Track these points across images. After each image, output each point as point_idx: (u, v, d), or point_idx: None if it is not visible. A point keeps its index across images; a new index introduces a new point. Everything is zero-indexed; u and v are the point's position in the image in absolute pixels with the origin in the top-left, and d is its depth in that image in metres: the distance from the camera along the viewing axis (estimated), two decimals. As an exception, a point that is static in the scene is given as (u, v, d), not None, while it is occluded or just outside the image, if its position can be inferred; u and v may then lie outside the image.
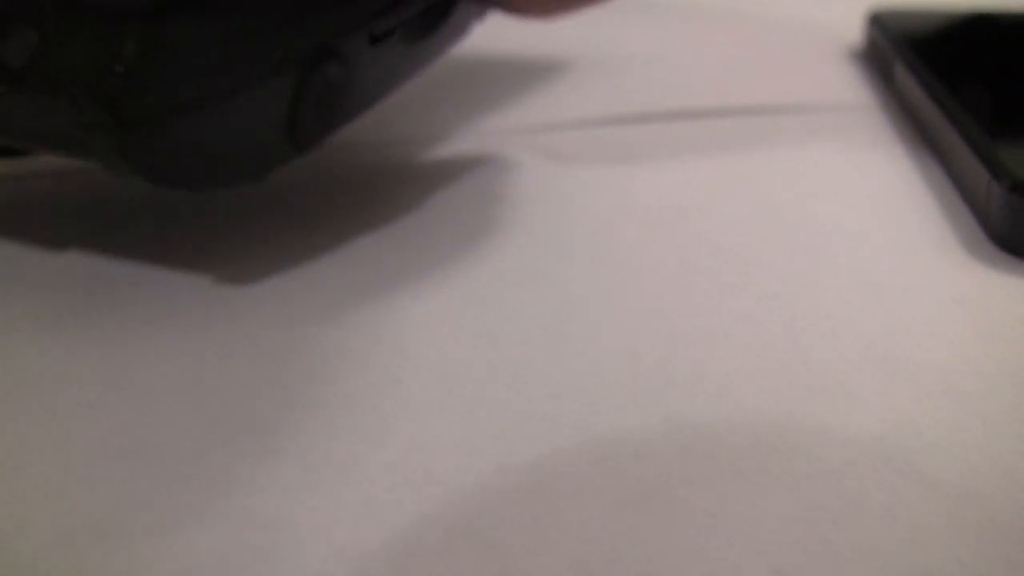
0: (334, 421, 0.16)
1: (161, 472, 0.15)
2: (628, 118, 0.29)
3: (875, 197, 0.24)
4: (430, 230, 0.22)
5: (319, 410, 0.16)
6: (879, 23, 0.33)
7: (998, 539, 0.13)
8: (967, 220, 0.22)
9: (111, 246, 0.21)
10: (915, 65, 0.29)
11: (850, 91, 0.31)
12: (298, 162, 0.25)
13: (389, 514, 0.14)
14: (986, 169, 0.22)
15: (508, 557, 0.13)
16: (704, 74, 0.32)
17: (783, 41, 0.35)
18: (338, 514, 0.14)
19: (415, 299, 0.19)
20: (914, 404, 0.16)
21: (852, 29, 0.35)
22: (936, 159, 0.26)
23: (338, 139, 0.27)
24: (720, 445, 0.15)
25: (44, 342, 0.18)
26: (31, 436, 0.15)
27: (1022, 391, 0.17)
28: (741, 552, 0.13)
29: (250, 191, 0.24)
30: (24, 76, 0.15)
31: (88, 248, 0.21)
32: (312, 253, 0.21)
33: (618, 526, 0.14)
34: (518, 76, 0.32)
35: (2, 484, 0.14)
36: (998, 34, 0.32)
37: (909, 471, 0.15)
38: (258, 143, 0.18)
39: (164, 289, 0.19)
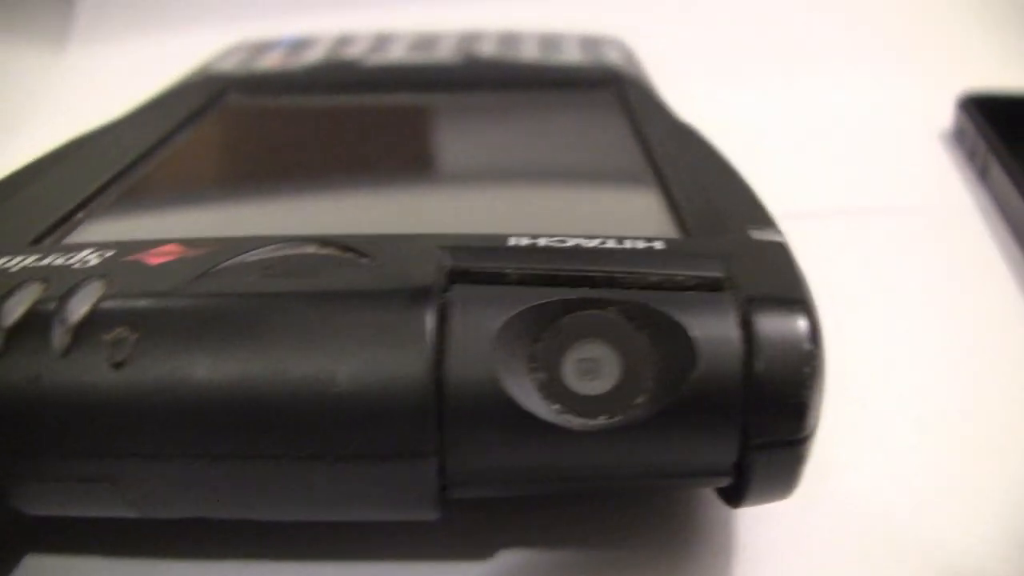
0: None
1: None
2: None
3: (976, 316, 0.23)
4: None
5: None
6: (970, 110, 0.31)
7: None
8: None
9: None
10: (1010, 165, 0.27)
11: (940, 184, 0.30)
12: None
13: None
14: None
15: None
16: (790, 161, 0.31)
17: (866, 126, 0.34)
18: None
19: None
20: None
21: (943, 111, 0.33)
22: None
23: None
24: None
25: None
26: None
27: None
28: None
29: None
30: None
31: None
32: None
33: None
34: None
35: None
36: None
37: None
38: None
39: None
